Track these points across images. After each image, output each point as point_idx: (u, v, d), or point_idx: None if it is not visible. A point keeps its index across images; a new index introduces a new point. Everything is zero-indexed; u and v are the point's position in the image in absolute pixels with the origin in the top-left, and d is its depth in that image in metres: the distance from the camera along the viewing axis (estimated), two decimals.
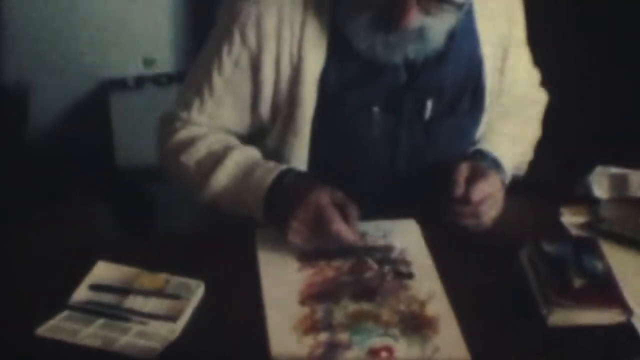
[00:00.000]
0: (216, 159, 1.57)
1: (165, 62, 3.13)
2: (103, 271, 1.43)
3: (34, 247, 1.64)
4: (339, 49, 1.55)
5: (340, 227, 1.42)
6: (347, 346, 1.28)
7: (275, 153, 1.63)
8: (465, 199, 1.50)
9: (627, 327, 1.34)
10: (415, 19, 1.44)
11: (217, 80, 1.60)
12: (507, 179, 1.67)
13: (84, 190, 2.75)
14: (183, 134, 1.63)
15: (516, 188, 1.71)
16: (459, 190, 1.51)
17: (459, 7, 1.48)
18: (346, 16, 1.50)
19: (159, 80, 3.09)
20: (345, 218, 1.44)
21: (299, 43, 1.55)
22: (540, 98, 1.84)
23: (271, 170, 1.52)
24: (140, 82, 3.10)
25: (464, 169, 1.53)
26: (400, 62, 1.54)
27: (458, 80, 1.62)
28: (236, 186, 1.54)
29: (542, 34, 1.76)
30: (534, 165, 1.79)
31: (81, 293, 1.38)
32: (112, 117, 3.00)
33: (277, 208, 1.47)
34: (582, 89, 2.33)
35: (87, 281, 1.40)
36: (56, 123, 3.08)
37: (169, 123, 1.66)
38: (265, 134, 1.64)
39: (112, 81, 3.09)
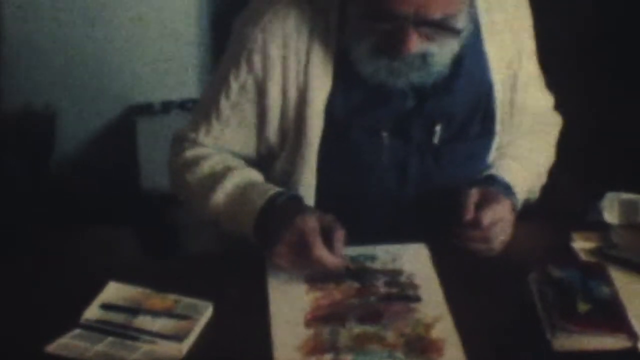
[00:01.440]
0: (216, 179, 1.61)
1: (192, 88, 3.18)
2: (114, 291, 1.45)
3: (54, 268, 1.67)
4: (345, 75, 1.57)
5: (321, 253, 1.42)
6: None
7: (284, 178, 1.65)
8: (475, 224, 1.51)
9: (633, 352, 1.34)
10: (415, 45, 1.46)
11: (223, 104, 1.64)
12: (519, 203, 1.67)
13: (109, 213, 2.79)
14: (189, 153, 1.67)
15: (528, 212, 1.72)
16: (469, 214, 1.51)
17: (458, 32, 1.49)
18: (351, 42, 1.52)
19: (185, 105, 3.14)
20: (330, 242, 1.44)
21: (304, 69, 1.58)
22: (554, 122, 1.83)
23: (265, 192, 1.54)
24: (166, 107, 3.14)
25: (474, 194, 1.54)
26: (406, 88, 1.55)
27: (467, 105, 1.63)
28: (233, 206, 1.57)
29: (555, 59, 1.76)
30: (546, 189, 1.79)
31: (92, 312, 1.40)
32: (138, 141, 3.04)
33: (266, 230, 1.49)
34: (595, 112, 2.32)
35: (98, 300, 1.43)
36: (83, 146, 3.13)
37: (179, 142, 1.72)
38: (274, 158, 1.66)
39: (139, 106, 3.13)
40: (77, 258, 2.27)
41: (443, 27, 1.46)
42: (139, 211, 2.87)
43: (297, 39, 1.57)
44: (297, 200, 1.55)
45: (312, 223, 1.44)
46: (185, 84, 3.16)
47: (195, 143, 1.68)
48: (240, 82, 1.61)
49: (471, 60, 1.59)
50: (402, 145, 1.62)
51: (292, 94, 1.59)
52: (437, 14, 1.44)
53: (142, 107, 3.14)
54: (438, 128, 1.61)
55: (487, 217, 1.51)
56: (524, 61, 1.70)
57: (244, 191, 1.57)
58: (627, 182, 1.68)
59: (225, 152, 1.67)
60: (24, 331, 1.37)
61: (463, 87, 1.60)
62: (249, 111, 1.63)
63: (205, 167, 1.64)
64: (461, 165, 1.66)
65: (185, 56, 3.14)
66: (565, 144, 1.81)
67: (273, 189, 1.55)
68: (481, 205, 1.53)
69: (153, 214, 2.88)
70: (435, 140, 1.62)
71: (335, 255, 1.44)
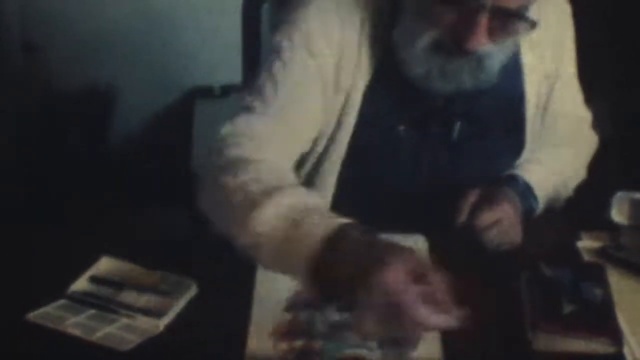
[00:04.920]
0: (266, 191, 1.25)
1: None
2: (106, 265, 1.48)
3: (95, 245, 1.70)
4: (385, 75, 1.53)
5: (425, 315, 1.09)
6: (317, 354, 1.28)
7: (308, 165, 1.63)
8: (469, 225, 1.48)
9: (617, 358, 1.29)
10: (482, 40, 1.38)
11: (281, 87, 1.49)
12: (538, 207, 1.63)
13: (159, 194, 2.84)
14: (234, 152, 1.38)
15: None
16: (460, 217, 1.50)
17: (533, 24, 1.42)
18: (403, 39, 1.47)
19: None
20: (431, 296, 1.11)
21: (356, 60, 1.53)
22: (589, 138, 1.78)
23: (331, 221, 1.18)
24: (226, 90, 3.17)
25: (470, 195, 1.52)
26: (453, 92, 1.49)
27: (495, 110, 1.59)
28: (283, 231, 1.19)
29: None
30: None
31: (80, 284, 1.43)
32: (195, 123, 3.08)
33: (329, 270, 1.13)
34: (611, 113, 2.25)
35: (88, 273, 1.45)
36: (140, 128, 3.19)
37: (221, 140, 1.44)
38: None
39: (199, 89, 3.17)
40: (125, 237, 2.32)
41: (519, 18, 1.39)
42: (189, 193, 2.90)
43: (352, 25, 1.51)
44: (371, 239, 1.17)
45: (401, 278, 1.09)
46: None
47: (243, 137, 1.42)
48: (299, 63, 1.50)
49: (506, 69, 1.52)
50: (419, 139, 1.59)
51: (344, 81, 1.53)
52: (514, 3, 1.37)
53: (203, 90, 3.17)
54: (458, 125, 1.58)
55: (481, 220, 1.49)
56: (562, 74, 1.66)
57: (302, 214, 1.19)
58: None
59: (278, 159, 1.42)
60: (17, 300, 1.40)
61: (493, 94, 1.54)
62: (311, 94, 1.52)
63: (251, 171, 1.31)
64: (477, 164, 1.62)
65: None
66: None
67: (339, 220, 1.18)
68: (479, 206, 1.49)
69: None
70: (454, 136, 1.58)
71: (442, 311, 1.12)
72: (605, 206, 1.60)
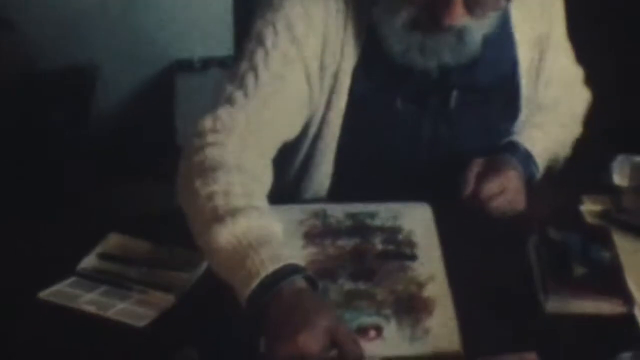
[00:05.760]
0: (230, 208, 1.26)
1: (231, 45, 3.17)
2: (114, 242, 1.47)
3: (81, 219, 1.70)
4: (370, 52, 1.53)
5: None
6: None
7: (304, 146, 1.63)
8: (476, 195, 1.50)
9: (628, 318, 1.31)
10: (459, 16, 1.39)
11: (263, 75, 1.47)
12: (540, 172, 1.65)
13: (144, 168, 2.83)
14: (210, 153, 1.36)
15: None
16: (467, 188, 1.51)
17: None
18: (383, 16, 1.47)
19: (224, 63, 3.14)
20: None
21: (341, 42, 1.53)
22: (582, 96, 1.80)
23: (278, 258, 1.20)
24: (206, 63, 3.15)
25: (474, 166, 1.53)
26: (435, 67, 1.50)
27: (490, 77, 1.60)
28: (234, 253, 1.22)
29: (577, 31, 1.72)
30: None
31: (89, 261, 1.42)
32: (176, 97, 3.07)
33: (261, 306, 1.17)
34: (610, 77, 2.27)
35: (97, 250, 1.45)
36: (122, 102, 3.17)
37: (199, 136, 1.41)
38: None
39: (179, 62, 3.15)
40: (107, 211, 2.32)
41: None
42: (174, 166, 2.89)
43: (334, 7, 1.50)
44: (312, 287, 1.20)
45: (318, 344, 1.11)
46: (224, 41, 3.16)
47: (224, 134, 1.40)
48: (281, 51, 1.48)
49: (497, 39, 1.53)
50: (417, 112, 1.59)
51: (330, 64, 1.52)
52: None
53: (182, 64, 3.15)
54: (455, 94, 1.58)
55: (487, 189, 1.50)
56: (553, 36, 1.67)
57: (253, 242, 1.21)
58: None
59: (258, 158, 1.42)
60: (25, 278, 1.39)
61: (487, 64, 1.55)
62: (294, 82, 1.50)
63: (222, 182, 1.30)
64: (476, 131, 1.63)
65: (224, 12, 3.13)
66: None
67: (287, 259, 1.20)
68: (484, 175, 1.51)
69: None
70: (451, 104, 1.59)
71: None
72: (604, 170, 1.62)
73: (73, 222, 1.69)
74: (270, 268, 1.17)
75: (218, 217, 1.24)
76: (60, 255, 1.44)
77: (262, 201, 1.32)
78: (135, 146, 2.95)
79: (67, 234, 1.54)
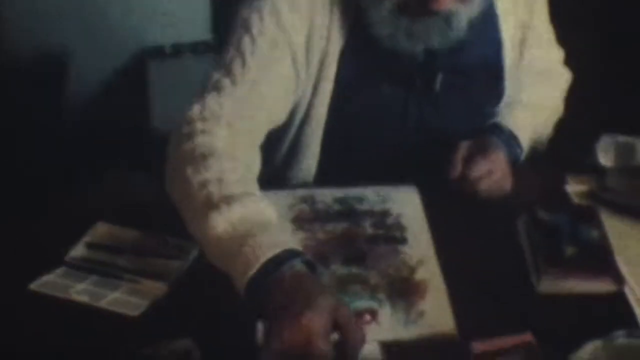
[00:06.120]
0: (223, 195, 1.25)
1: (203, 30, 3.15)
2: (102, 231, 1.46)
3: (58, 208, 1.68)
4: (358, 37, 1.53)
5: None
6: None
7: (290, 140, 1.63)
8: (464, 177, 1.50)
9: (619, 297, 1.33)
10: (447, 1, 1.40)
11: (250, 63, 1.47)
12: (524, 153, 1.66)
13: (120, 157, 2.80)
14: (200, 141, 1.35)
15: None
16: (454, 171, 1.51)
17: None
18: (370, 1, 1.47)
19: (196, 49, 3.12)
20: (343, 352, 1.12)
21: (328, 27, 1.52)
22: (563, 76, 1.82)
23: (275, 244, 1.18)
24: (177, 50, 3.13)
25: (462, 148, 1.53)
26: (421, 51, 1.51)
27: (475, 61, 1.61)
28: (231, 241, 1.20)
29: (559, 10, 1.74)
30: None
31: (78, 251, 1.41)
32: (149, 84, 3.04)
33: (261, 293, 1.15)
34: (592, 58, 2.30)
35: (85, 240, 1.43)
36: (94, 90, 3.12)
37: (188, 124, 1.40)
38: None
39: (150, 48, 3.12)
40: (82, 199, 2.29)
41: None
42: (149, 155, 2.87)
43: None
44: (310, 271, 1.19)
45: (322, 325, 1.09)
46: (196, 26, 3.14)
47: (212, 121, 1.38)
48: (268, 37, 1.48)
49: (482, 21, 1.54)
50: (403, 95, 1.60)
51: (316, 49, 1.52)
52: None
53: (153, 50, 3.12)
54: (440, 77, 1.59)
55: (475, 171, 1.50)
56: (535, 18, 1.68)
57: (250, 229, 1.20)
58: (625, 124, 1.65)
59: (247, 145, 1.41)
60: (12, 269, 1.38)
61: (472, 45, 1.55)
62: (281, 68, 1.50)
63: (215, 169, 1.29)
64: (462, 114, 1.64)
65: None
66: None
67: (285, 244, 1.19)
68: (471, 158, 1.51)
69: (163, 157, 2.88)
70: (437, 88, 1.59)
71: None
72: (588, 150, 1.63)
73: (54, 211, 1.66)
74: (269, 253, 1.16)
75: (213, 205, 1.23)
76: (46, 246, 1.42)
77: (255, 187, 1.31)
78: (110, 134, 2.92)
79: (50, 225, 1.52)
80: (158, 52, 3.12)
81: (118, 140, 2.89)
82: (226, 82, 1.45)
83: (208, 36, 3.11)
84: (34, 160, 2.79)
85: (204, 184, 1.27)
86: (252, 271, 1.15)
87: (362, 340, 1.12)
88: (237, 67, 1.46)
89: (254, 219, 1.22)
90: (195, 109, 1.41)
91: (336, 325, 1.11)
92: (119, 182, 2.55)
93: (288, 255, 1.16)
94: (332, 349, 1.09)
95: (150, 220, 1.49)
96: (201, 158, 1.31)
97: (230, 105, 1.42)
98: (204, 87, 1.46)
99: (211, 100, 1.42)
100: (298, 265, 1.16)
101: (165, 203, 1.37)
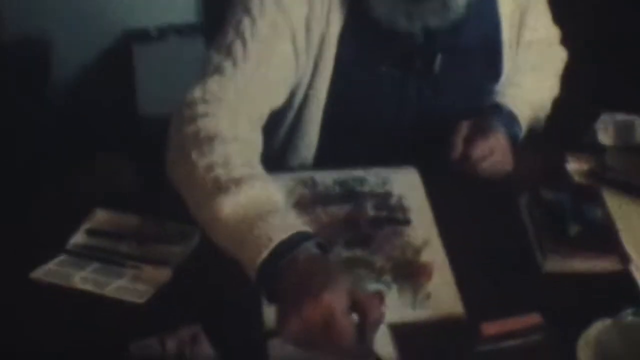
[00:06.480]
0: (231, 178, 1.22)
1: (189, 13, 3.13)
2: (101, 218, 1.44)
3: (47, 195, 1.66)
4: (358, 18, 1.52)
5: (350, 344, 1.07)
6: None
7: (290, 122, 1.62)
8: (465, 158, 1.49)
9: (625, 275, 1.32)
10: None
11: (251, 44, 1.45)
12: (522, 133, 1.66)
13: (107, 142, 2.78)
14: (203, 124, 1.32)
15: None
16: (455, 152, 1.50)
17: None
18: None
19: (181, 31, 3.09)
20: (362, 330, 1.09)
21: (327, 8, 1.51)
22: (559, 55, 1.81)
23: (287, 227, 1.16)
24: (162, 32, 3.10)
25: (462, 129, 1.52)
26: (418, 31, 1.51)
27: (473, 41, 1.60)
28: (240, 224, 1.18)
29: None
30: None
31: (78, 238, 1.39)
32: (135, 68, 3.01)
33: (275, 277, 1.12)
34: (591, 36, 2.29)
35: (85, 226, 1.41)
36: (79, 75, 3.10)
37: (189, 107, 1.37)
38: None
39: (135, 31, 3.09)
40: (72, 185, 2.27)
41: None
42: (136, 138, 2.85)
43: None
44: (324, 253, 1.17)
45: (343, 303, 1.07)
46: (181, 8, 3.11)
47: (215, 104, 1.37)
48: (268, 18, 1.46)
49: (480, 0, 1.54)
50: (402, 76, 1.58)
51: (316, 31, 1.51)
52: None
53: (138, 33, 3.09)
54: (439, 57, 1.58)
55: (476, 151, 1.50)
56: (532, 2, 1.67)
57: (261, 212, 1.18)
58: (623, 102, 1.65)
59: (250, 128, 1.39)
60: (11, 258, 1.36)
61: (471, 25, 1.55)
62: (281, 49, 1.48)
63: (220, 152, 1.27)
64: (462, 95, 1.63)
65: None
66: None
67: (297, 226, 1.17)
68: (471, 138, 1.51)
69: (150, 140, 2.86)
70: (436, 69, 1.58)
71: (362, 346, 1.09)
72: (587, 129, 1.63)
73: (46, 200, 1.65)
74: (282, 236, 1.13)
75: (221, 188, 1.20)
76: (45, 234, 1.41)
77: (261, 170, 1.29)
78: (96, 119, 2.89)
79: (41, 214, 1.50)
80: (143, 35, 3.09)
81: (105, 125, 2.87)
82: (227, 64, 1.43)
83: (194, 19, 3.10)
84: (17, 147, 2.76)
85: (210, 167, 1.24)
86: (264, 254, 1.12)
87: (382, 319, 1.10)
88: (237, 48, 1.44)
89: (264, 201, 1.19)
90: (197, 91, 1.39)
91: (355, 305, 1.09)
92: (108, 168, 2.54)
93: (300, 237, 1.14)
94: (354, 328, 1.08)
95: (144, 205, 1.47)
96: (206, 141, 1.28)
97: (232, 88, 1.41)
98: (204, 69, 1.44)
99: (212, 82, 1.41)
100: (311, 247, 1.14)
101: (154, 187, 1.35)
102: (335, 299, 1.06)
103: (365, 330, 1.08)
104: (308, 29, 1.50)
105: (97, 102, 2.99)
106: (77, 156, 2.64)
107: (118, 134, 2.80)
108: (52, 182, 2.27)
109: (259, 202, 1.19)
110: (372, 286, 1.28)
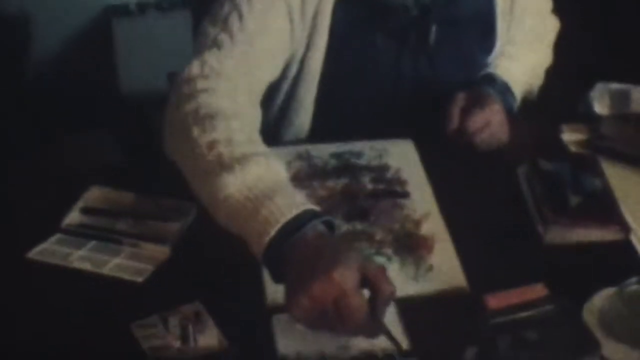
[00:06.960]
0: (235, 156, 1.19)
1: None
2: (96, 195, 1.42)
3: (34, 173, 1.63)
4: None
5: (362, 321, 1.06)
6: None
7: (284, 96, 1.60)
8: (461, 130, 1.48)
9: (626, 244, 1.32)
10: None
11: (247, 16, 1.44)
12: (517, 103, 1.66)
13: (88, 118, 2.75)
14: (204, 101, 1.30)
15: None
16: (452, 124, 1.50)
17: None
18: None
19: (161, 6, 3.06)
20: (373, 307, 1.08)
21: None
22: (552, 25, 1.81)
23: (294, 205, 1.13)
24: (142, 7, 3.06)
25: (458, 100, 1.52)
26: (410, 4, 1.51)
27: (468, 11, 1.59)
28: (247, 202, 1.15)
29: None
30: None
31: (73, 217, 1.37)
32: (115, 43, 2.98)
33: (283, 256, 1.10)
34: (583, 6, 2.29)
35: (79, 205, 1.39)
36: (59, 51, 3.06)
37: (188, 83, 1.35)
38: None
39: (114, 7, 3.05)
40: (58, 163, 2.24)
41: None
42: (117, 114, 2.83)
43: None
44: (332, 230, 1.15)
45: (354, 280, 1.05)
46: None
47: (213, 79, 1.35)
48: None
49: None
50: (397, 49, 1.58)
51: (310, 2, 1.49)
52: None
53: (118, 8, 3.05)
54: (434, 29, 1.56)
55: (473, 123, 1.49)
56: None
57: (267, 190, 1.15)
58: (618, 71, 1.65)
59: (249, 102, 1.38)
60: (4, 238, 1.33)
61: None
62: (277, 21, 1.47)
63: (222, 129, 1.24)
64: (456, 67, 1.63)
65: None
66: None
67: (304, 204, 1.14)
68: (468, 110, 1.50)
69: (132, 116, 2.83)
70: (431, 41, 1.57)
71: (374, 322, 1.08)
72: (582, 99, 1.62)
73: (35, 178, 1.62)
74: (289, 214, 1.11)
75: (225, 166, 1.17)
76: (39, 213, 1.38)
77: (263, 146, 1.26)
78: (76, 95, 2.86)
79: (33, 191, 1.48)
80: (122, 10, 3.06)
81: (86, 102, 2.83)
82: (224, 37, 1.41)
83: None
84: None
85: (212, 145, 1.21)
86: (272, 233, 1.10)
87: (393, 294, 1.09)
88: (234, 22, 1.42)
89: (270, 179, 1.17)
90: (195, 66, 1.36)
91: (367, 280, 1.07)
92: (87, 146, 2.52)
93: (308, 215, 1.12)
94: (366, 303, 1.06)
95: (134, 182, 1.45)
96: (207, 118, 1.25)
97: (230, 62, 1.38)
98: (199, 43, 1.42)
99: (210, 57, 1.38)
100: (319, 225, 1.12)
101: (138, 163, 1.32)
102: (346, 277, 1.04)
103: (377, 305, 1.07)
104: (303, 0, 1.48)
105: (77, 78, 2.95)
106: (56, 132, 2.61)
107: (99, 110, 2.77)
108: (28, 159, 2.25)
109: (265, 181, 1.16)
110: (376, 259, 1.27)
